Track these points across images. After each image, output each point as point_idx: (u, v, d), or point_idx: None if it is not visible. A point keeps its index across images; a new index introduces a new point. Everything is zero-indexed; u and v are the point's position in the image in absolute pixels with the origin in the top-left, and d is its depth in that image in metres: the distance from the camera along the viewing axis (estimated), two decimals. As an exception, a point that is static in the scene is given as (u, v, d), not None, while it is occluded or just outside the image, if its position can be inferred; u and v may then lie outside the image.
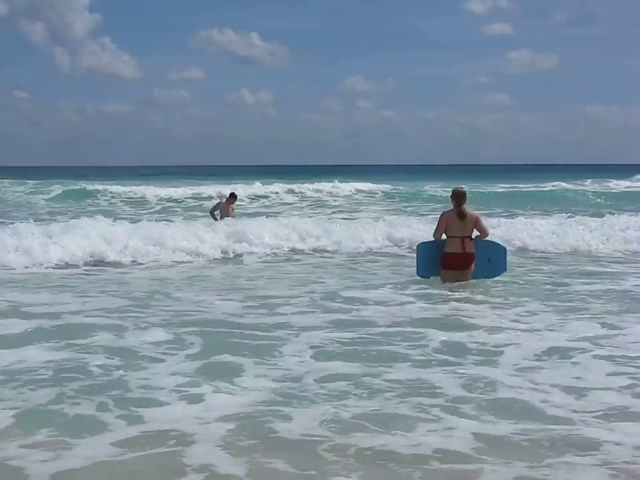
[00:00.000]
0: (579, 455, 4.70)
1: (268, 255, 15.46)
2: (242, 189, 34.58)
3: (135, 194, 35.18)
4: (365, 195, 37.54)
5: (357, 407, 5.56)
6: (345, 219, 22.33)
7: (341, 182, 38.75)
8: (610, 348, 7.24)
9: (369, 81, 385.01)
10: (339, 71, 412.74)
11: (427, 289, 10.77)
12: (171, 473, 4.50)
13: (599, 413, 5.42)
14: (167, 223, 18.35)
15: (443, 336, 7.73)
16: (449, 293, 10.43)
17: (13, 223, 15.71)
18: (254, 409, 5.51)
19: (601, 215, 21.54)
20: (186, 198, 34.64)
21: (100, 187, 36.94)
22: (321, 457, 4.71)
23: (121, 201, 34.24)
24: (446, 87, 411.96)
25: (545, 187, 40.34)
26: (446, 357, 6.95)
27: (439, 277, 11.31)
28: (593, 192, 37.30)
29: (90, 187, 37.51)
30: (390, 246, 16.48)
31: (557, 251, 16.04)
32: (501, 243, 12.43)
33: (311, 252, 15.81)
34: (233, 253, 15.35)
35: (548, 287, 11.22)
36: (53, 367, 6.53)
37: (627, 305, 9.72)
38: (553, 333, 7.90)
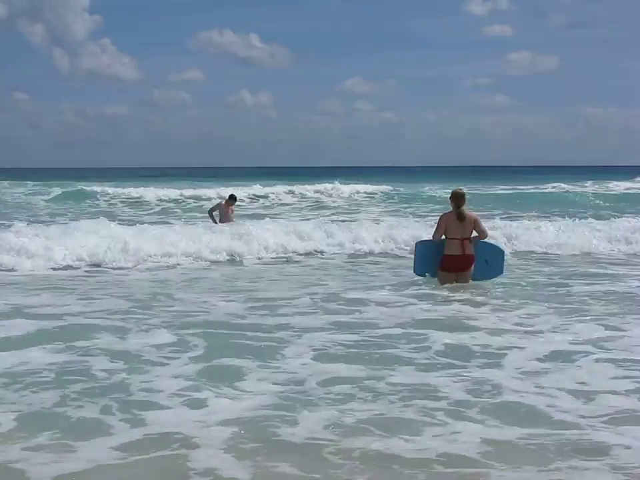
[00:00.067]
0: (587, 460, 4.67)
1: (267, 256, 15.40)
2: (242, 191, 34.56)
3: (135, 195, 35.18)
4: (365, 196, 37.54)
5: (362, 410, 5.53)
6: (345, 220, 22.34)
7: (341, 183, 38.75)
8: (614, 351, 7.21)
9: (369, 82, 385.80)
10: (339, 72, 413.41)
11: (428, 290, 10.75)
12: (175, 477, 4.49)
13: (607, 417, 5.39)
14: (168, 225, 18.28)
15: (446, 338, 7.71)
16: (450, 295, 10.41)
17: (12, 225, 15.64)
18: (258, 412, 5.49)
19: (601, 217, 21.53)
20: (185, 199, 34.65)
21: (100, 189, 36.92)
22: (326, 460, 4.69)
23: (121, 202, 34.24)
24: (446, 89, 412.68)
25: (545, 188, 40.37)
26: (449, 360, 6.92)
27: (435, 277, 11.32)
28: (593, 193, 37.27)
29: (89, 188, 37.48)
30: (390, 247, 16.41)
31: (560, 252, 15.99)
32: (499, 245, 12.39)
33: (310, 254, 15.76)
34: (239, 257, 15.19)
35: (549, 288, 11.21)
36: (55, 369, 6.51)
37: (629, 306, 9.71)
38: (555, 336, 7.88)
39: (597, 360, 6.89)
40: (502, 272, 11.60)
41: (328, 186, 38.31)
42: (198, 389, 6.03)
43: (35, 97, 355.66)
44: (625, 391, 5.99)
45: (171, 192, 35.71)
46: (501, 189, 39.83)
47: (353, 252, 15.99)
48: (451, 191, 11.65)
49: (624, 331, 8.14)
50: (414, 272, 11.78)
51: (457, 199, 11.18)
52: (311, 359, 6.96)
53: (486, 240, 11.43)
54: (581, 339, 7.67)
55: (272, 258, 15.38)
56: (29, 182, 44.23)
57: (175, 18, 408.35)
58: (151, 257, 14.46)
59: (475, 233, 11.17)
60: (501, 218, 20.89)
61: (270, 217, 22.00)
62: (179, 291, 11.00)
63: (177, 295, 10.42)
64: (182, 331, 7.95)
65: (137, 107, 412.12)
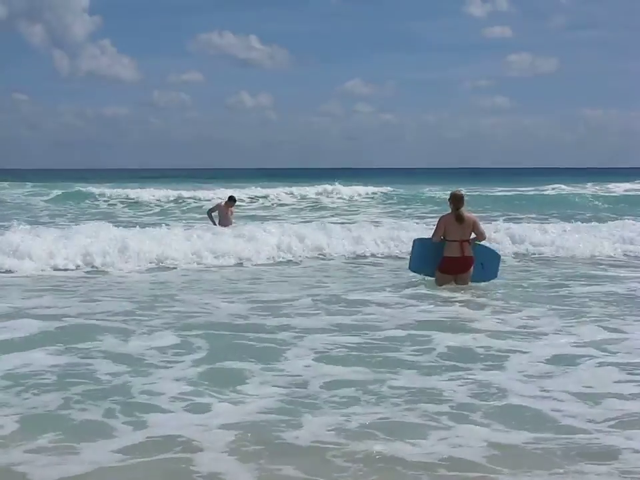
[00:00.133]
0: (596, 464, 4.63)
1: (267, 258, 15.33)
2: (241, 192, 34.55)
3: (134, 196, 35.18)
4: (364, 197, 37.53)
5: (365, 413, 5.50)
6: (344, 222, 22.32)
7: (340, 184, 38.74)
8: (618, 354, 7.18)
9: (369, 84, 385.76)
10: (339, 74, 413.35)
11: (429, 291, 10.74)
12: (179, 480, 4.46)
13: (614, 421, 5.35)
14: (169, 226, 18.20)
15: (449, 340, 7.68)
16: (452, 296, 10.39)
17: (13, 226, 15.59)
18: (261, 415, 5.46)
19: (601, 219, 21.52)
20: (185, 200, 34.65)
21: (99, 190, 36.92)
22: (330, 463, 4.66)
23: (121, 203, 34.24)
24: (446, 90, 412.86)
25: (545, 190, 40.36)
26: (452, 363, 6.89)
27: (430, 277, 11.37)
28: (593, 195, 37.28)
29: (89, 189, 37.47)
30: (390, 249, 16.37)
31: (561, 254, 15.96)
32: (496, 250, 12.36)
33: (309, 255, 15.71)
34: (249, 261, 14.92)
35: (550, 290, 11.20)
36: (57, 371, 6.48)
37: (631, 308, 9.69)
38: (558, 338, 7.85)
39: (601, 363, 6.86)
40: (496, 276, 11.56)
41: (328, 187, 38.31)
42: (201, 391, 5.99)
43: (34, 98, 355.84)
44: (631, 394, 5.95)
45: (170, 193, 35.72)
46: (500, 191, 39.83)
47: (352, 253, 15.95)
48: (449, 192, 11.64)
49: (626, 333, 8.11)
50: (408, 268, 11.89)
51: (456, 200, 11.16)
52: (314, 361, 6.93)
53: (483, 243, 11.41)
54: (583, 342, 7.64)
55: (270, 259, 15.28)
56: (28, 183, 44.23)
57: (174, 19, 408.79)
58: (154, 260, 14.35)
59: (473, 235, 11.16)
60: (503, 220, 20.82)
61: (269, 219, 22.01)
62: (179, 292, 10.97)
63: (178, 297, 10.40)
64: (184, 332, 7.93)
65: (136, 108, 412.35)
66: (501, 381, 6.27)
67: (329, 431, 5.14)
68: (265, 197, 36.28)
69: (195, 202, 34.05)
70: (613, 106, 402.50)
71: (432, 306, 9.69)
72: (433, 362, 6.94)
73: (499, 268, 11.66)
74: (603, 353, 7.18)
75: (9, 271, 13.02)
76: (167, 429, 5.18)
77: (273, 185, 40.71)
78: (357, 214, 29.93)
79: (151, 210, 31.99)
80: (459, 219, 11.05)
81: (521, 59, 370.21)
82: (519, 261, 15.36)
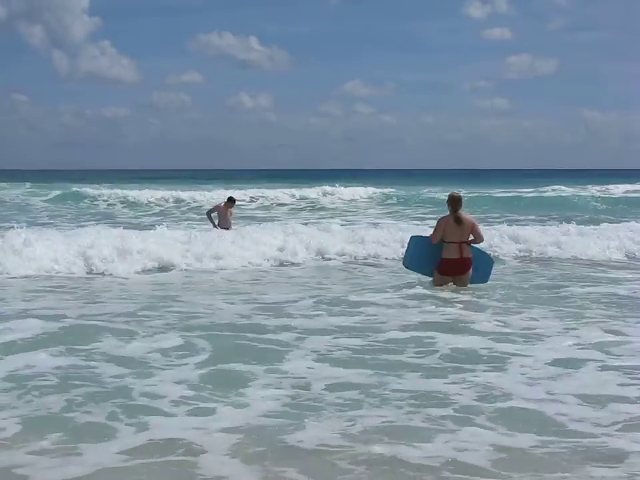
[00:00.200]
0: (603, 467, 4.60)
1: (267, 259, 15.28)
2: (241, 193, 34.57)
3: (134, 197, 35.20)
4: (364, 198, 37.58)
5: (369, 416, 5.47)
6: (344, 223, 22.31)
7: (340, 186, 38.77)
8: (621, 356, 7.16)
9: (368, 85, 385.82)
10: (338, 75, 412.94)
11: (429, 292, 10.74)
12: (182, 483, 4.44)
13: (620, 424, 5.31)
14: (169, 228, 18.16)
15: (451, 342, 7.66)
16: (453, 297, 10.39)
17: (12, 227, 15.55)
18: (265, 417, 5.44)
19: (601, 220, 21.52)
20: (184, 201, 34.66)
21: (98, 190, 36.93)
22: (334, 466, 4.64)
23: (120, 203, 34.25)
24: (445, 92, 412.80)
25: (545, 191, 40.41)
26: (455, 365, 6.86)
27: (424, 276, 11.41)
28: (592, 196, 37.30)
29: (89, 189, 37.46)
30: (390, 250, 16.34)
31: (562, 256, 15.93)
32: (490, 255, 12.34)
33: (309, 256, 15.66)
34: (249, 263, 14.80)
35: (551, 291, 11.18)
36: (60, 373, 6.46)
37: (632, 310, 9.69)
38: (560, 340, 7.83)
39: (605, 366, 6.83)
40: (486, 281, 11.52)
41: (327, 188, 38.34)
42: (204, 394, 5.97)
43: (34, 99, 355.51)
44: (636, 397, 5.92)
45: (169, 194, 35.75)
46: (500, 192, 39.85)
47: (352, 254, 15.91)
48: (448, 194, 11.65)
49: (629, 335, 8.08)
50: (402, 264, 11.95)
51: (454, 202, 11.17)
52: (317, 362, 6.91)
53: (479, 247, 11.40)
54: (586, 344, 7.62)
55: (270, 260, 15.24)
56: (28, 183, 44.22)
57: (174, 20, 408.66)
58: (154, 261, 14.31)
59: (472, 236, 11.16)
60: (503, 221, 20.81)
61: (269, 220, 21.99)
62: (180, 294, 10.95)
63: (180, 298, 10.38)
64: (186, 333, 7.90)
65: (136, 109, 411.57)
66: (504, 384, 6.24)
67: (332, 433, 5.12)
68: (265, 197, 36.33)
69: (194, 203, 34.07)
70: (613, 107, 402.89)
71: (433, 307, 9.68)
72: (435, 364, 6.92)
73: (491, 274, 11.62)
74: (607, 356, 7.15)
75: (11, 273, 12.98)
76: (170, 431, 5.16)
77: (272, 185, 40.72)
78: (356, 215, 29.93)
79: (150, 210, 32.01)
80: (458, 220, 11.05)
81: (521, 60, 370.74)
82: (519, 262, 15.35)
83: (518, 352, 7.31)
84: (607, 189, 42.87)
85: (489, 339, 7.88)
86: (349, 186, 39.78)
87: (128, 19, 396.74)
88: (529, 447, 4.90)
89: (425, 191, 39.74)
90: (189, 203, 34.36)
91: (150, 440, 5.01)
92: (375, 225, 20.99)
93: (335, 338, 7.87)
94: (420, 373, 6.59)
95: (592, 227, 19.27)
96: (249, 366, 6.72)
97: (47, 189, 39.68)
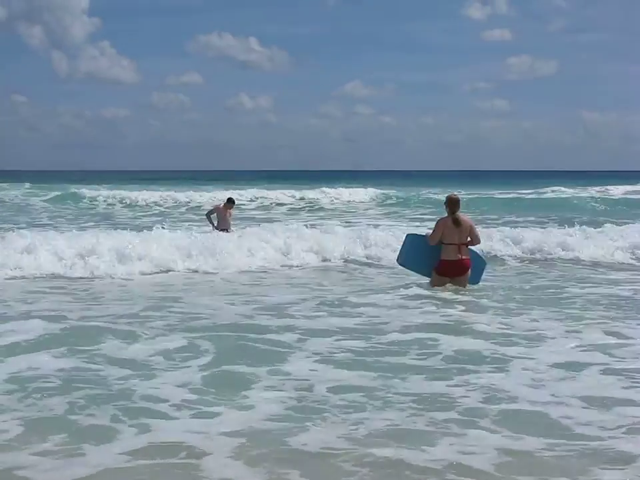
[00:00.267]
0: (610, 469, 4.58)
1: (267, 260, 15.24)
2: (241, 194, 34.58)
3: (133, 198, 35.21)
4: (363, 199, 37.58)
5: (373, 419, 5.46)
6: (344, 224, 22.28)
7: (339, 187, 38.81)
8: (624, 359, 7.14)
9: (368, 86, 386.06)
10: (338, 76, 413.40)
11: (430, 293, 10.73)
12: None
13: (626, 427, 5.29)
14: (168, 229, 18.14)
15: (453, 344, 7.65)
16: (453, 298, 10.38)
17: (13, 228, 15.54)
18: (268, 420, 5.42)
19: (601, 222, 21.49)
20: (184, 201, 34.67)
21: (98, 191, 36.95)
22: (338, 469, 4.62)
23: (120, 204, 34.25)
24: (445, 93, 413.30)
25: (545, 192, 40.43)
26: (458, 367, 6.84)
27: (419, 275, 11.45)
28: (592, 197, 37.28)
29: (88, 190, 37.47)
30: (390, 251, 16.31)
31: (562, 257, 15.90)
32: (484, 257, 12.33)
33: (309, 257, 15.62)
34: (249, 264, 14.69)
35: (552, 293, 11.17)
36: (62, 374, 6.44)
37: (633, 312, 9.68)
38: (563, 342, 7.81)
39: (608, 368, 6.81)
40: (478, 282, 11.49)
41: (327, 189, 38.37)
42: (206, 396, 5.94)
43: (33, 100, 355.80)
44: (640, 400, 5.92)
45: (169, 194, 35.77)
46: (500, 193, 39.86)
47: (352, 255, 15.88)
48: (446, 195, 11.66)
49: (632, 338, 8.06)
50: (396, 261, 12.01)
51: (452, 204, 11.18)
52: (319, 364, 6.89)
53: (474, 248, 11.39)
54: (588, 346, 7.60)
55: (270, 261, 15.20)
56: (27, 184, 44.25)
57: (174, 21, 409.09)
58: (154, 263, 14.27)
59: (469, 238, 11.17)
60: (503, 223, 20.80)
61: (268, 220, 21.98)
62: (182, 295, 10.93)
63: (181, 300, 10.37)
64: (189, 335, 7.89)
65: (135, 110, 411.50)
66: (508, 386, 6.22)
67: (336, 436, 5.10)
68: (265, 197, 36.34)
69: (194, 203, 34.07)
70: (612, 108, 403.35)
71: (434, 308, 9.67)
72: (439, 366, 6.91)
73: (483, 275, 11.60)
74: (609, 358, 7.14)
75: (13, 274, 12.95)
76: (173, 433, 5.14)
77: (272, 186, 40.75)
78: (356, 216, 29.92)
79: (150, 211, 32.01)
80: (456, 222, 11.06)
81: (521, 61, 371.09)
82: (519, 263, 15.34)
83: (521, 354, 7.29)
84: (607, 190, 42.92)
85: (491, 340, 7.86)
86: (348, 187, 39.81)
87: (127, 19, 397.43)
88: (535, 450, 4.87)
89: (424, 192, 39.76)
90: (189, 203, 34.38)
91: (153, 442, 5.00)
92: (376, 225, 20.95)
93: (337, 340, 7.86)
94: (423, 375, 6.57)
95: (593, 227, 19.19)
96: (251, 368, 6.70)
97: (46, 189, 39.73)
